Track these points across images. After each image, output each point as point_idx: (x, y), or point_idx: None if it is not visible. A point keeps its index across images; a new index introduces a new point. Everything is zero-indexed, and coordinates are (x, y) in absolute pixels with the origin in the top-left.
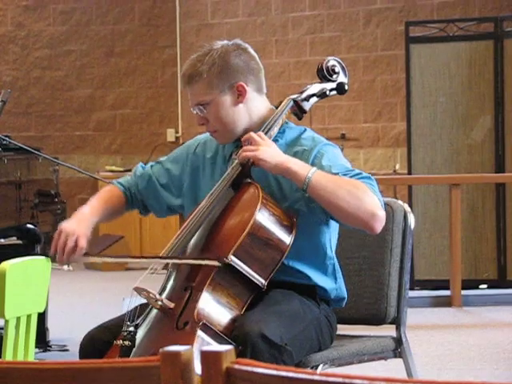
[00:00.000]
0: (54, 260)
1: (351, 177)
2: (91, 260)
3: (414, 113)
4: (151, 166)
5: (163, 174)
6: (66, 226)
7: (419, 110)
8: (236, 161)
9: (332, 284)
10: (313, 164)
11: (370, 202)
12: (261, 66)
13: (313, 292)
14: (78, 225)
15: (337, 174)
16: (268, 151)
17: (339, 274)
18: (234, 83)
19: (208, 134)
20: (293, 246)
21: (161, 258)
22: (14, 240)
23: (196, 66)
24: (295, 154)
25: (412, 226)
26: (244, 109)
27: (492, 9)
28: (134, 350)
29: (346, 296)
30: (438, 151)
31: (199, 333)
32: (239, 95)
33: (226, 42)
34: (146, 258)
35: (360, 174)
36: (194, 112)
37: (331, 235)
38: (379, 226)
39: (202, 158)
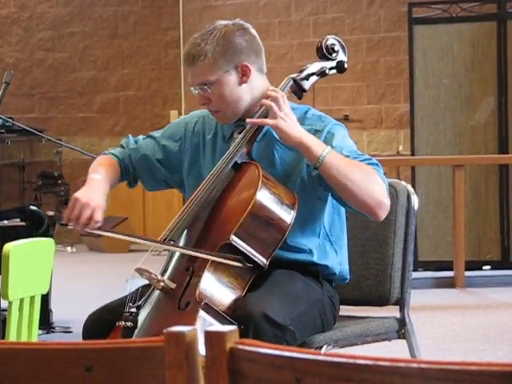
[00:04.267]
0: (65, 225)
1: (361, 161)
2: (105, 234)
3: (417, 94)
4: (143, 139)
5: (159, 150)
6: (82, 195)
7: (422, 92)
8: (237, 139)
9: (333, 258)
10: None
11: (379, 189)
12: (262, 45)
13: (316, 272)
14: (94, 195)
15: (347, 156)
16: (288, 121)
17: (341, 250)
18: (239, 63)
19: (204, 110)
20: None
21: (180, 247)
22: (17, 222)
23: (200, 46)
24: None
25: (415, 207)
26: (247, 89)
27: None
28: (136, 330)
29: (349, 273)
30: (442, 132)
31: (201, 313)
32: (243, 75)
33: (227, 21)
34: (161, 243)
35: (370, 159)
36: (196, 92)
37: (328, 211)
38: (384, 214)
39: (202, 136)
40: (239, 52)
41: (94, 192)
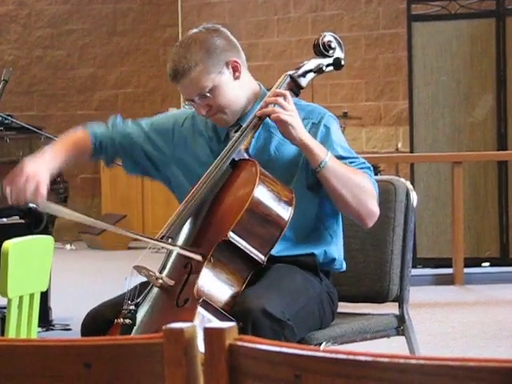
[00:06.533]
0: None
1: (356, 165)
2: (46, 206)
3: (416, 91)
4: (131, 125)
5: (146, 141)
6: (29, 166)
7: (421, 89)
8: (235, 136)
9: (329, 243)
10: (321, 140)
11: (372, 201)
12: (237, 41)
13: (314, 265)
14: (41, 168)
15: (344, 158)
16: (298, 120)
17: (336, 235)
18: (228, 60)
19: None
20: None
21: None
22: (16, 219)
23: (186, 58)
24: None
25: (414, 204)
26: (241, 84)
27: None
28: (135, 328)
29: (344, 262)
30: (440, 129)
31: (199, 309)
32: (235, 71)
33: (197, 29)
34: (123, 230)
35: (364, 163)
36: (194, 105)
37: (320, 201)
38: (372, 223)
39: (191, 131)
40: (223, 50)
41: (42, 165)
